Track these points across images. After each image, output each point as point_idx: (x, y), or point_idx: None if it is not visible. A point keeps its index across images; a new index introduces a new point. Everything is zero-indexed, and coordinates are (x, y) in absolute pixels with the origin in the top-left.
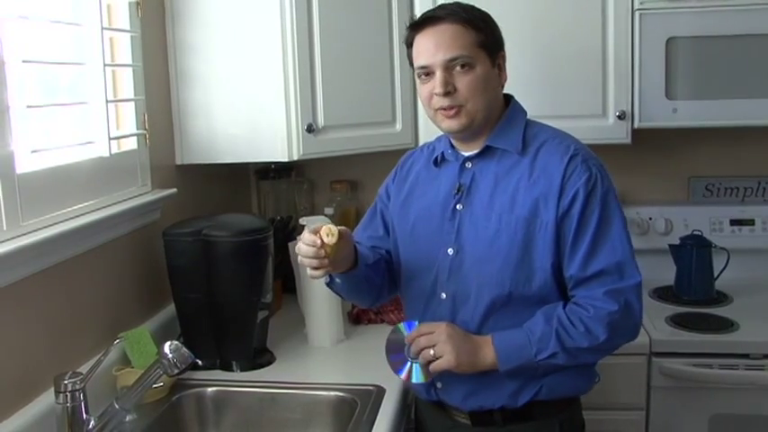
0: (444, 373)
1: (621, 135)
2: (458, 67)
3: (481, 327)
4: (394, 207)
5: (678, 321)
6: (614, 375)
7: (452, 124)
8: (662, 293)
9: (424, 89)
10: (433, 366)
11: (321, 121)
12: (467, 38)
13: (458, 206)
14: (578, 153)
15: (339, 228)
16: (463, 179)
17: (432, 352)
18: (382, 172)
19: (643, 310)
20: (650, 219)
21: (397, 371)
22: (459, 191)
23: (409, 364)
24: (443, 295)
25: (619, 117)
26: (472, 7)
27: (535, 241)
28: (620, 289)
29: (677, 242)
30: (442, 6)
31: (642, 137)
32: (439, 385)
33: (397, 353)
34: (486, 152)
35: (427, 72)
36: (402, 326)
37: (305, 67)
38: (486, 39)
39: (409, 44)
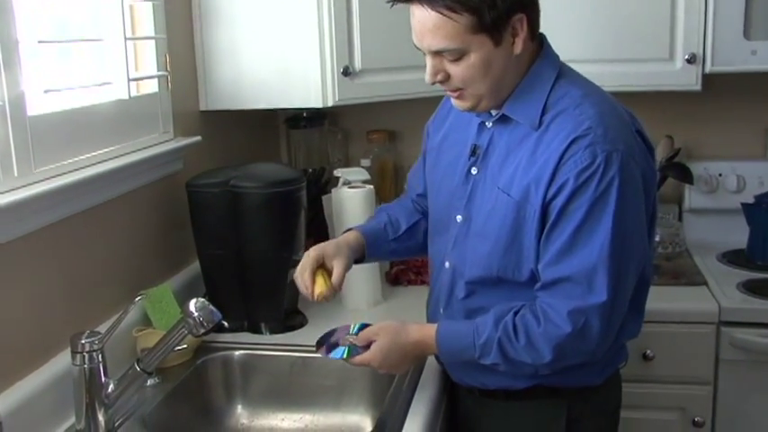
0: None
1: (690, 81)
2: (448, 56)
3: (467, 298)
4: (431, 150)
5: (751, 288)
6: (679, 346)
7: (459, 105)
8: (732, 258)
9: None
10: (354, 360)
11: (358, 63)
12: (452, 27)
13: (472, 169)
14: (588, 133)
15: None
16: (481, 140)
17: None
18: (422, 121)
19: (606, 333)
20: (720, 175)
21: (327, 353)
22: (474, 152)
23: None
24: (447, 264)
25: (688, 61)
26: None
27: (525, 228)
28: (584, 309)
29: (751, 201)
30: None
31: (713, 83)
32: None
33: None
34: (503, 117)
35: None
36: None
37: (341, 4)
38: (480, 19)
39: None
